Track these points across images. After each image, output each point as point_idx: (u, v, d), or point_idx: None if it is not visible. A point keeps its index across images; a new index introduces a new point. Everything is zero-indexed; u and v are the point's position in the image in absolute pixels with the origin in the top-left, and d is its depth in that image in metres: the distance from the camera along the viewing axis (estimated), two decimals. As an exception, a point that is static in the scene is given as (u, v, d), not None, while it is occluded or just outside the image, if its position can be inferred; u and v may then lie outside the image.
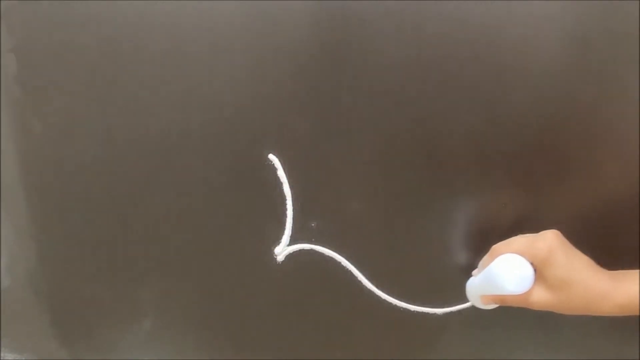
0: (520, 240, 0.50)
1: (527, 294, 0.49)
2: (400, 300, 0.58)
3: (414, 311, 0.58)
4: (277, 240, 0.58)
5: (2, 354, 0.63)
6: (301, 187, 0.56)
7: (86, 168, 0.57)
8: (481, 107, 0.54)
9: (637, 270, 0.47)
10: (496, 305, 0.54)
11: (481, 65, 0.53)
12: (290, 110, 0.54)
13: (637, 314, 0.46)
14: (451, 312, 0.58)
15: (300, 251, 0.58)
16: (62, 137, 0.57)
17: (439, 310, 0.58)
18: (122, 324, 0.61)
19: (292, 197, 0.56)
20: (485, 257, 0.53)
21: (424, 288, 0.59)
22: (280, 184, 0.56)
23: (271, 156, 0.55)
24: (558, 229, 0.56)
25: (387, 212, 0.57)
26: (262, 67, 0.54)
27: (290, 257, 0.58)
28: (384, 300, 0.58)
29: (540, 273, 0.48)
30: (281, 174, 0.56)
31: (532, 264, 0.48)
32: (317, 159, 0.55)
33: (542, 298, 0.48)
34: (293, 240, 0.57)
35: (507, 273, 0.49)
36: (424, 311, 0.58)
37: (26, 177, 0.58)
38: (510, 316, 0.59)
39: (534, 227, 0.57)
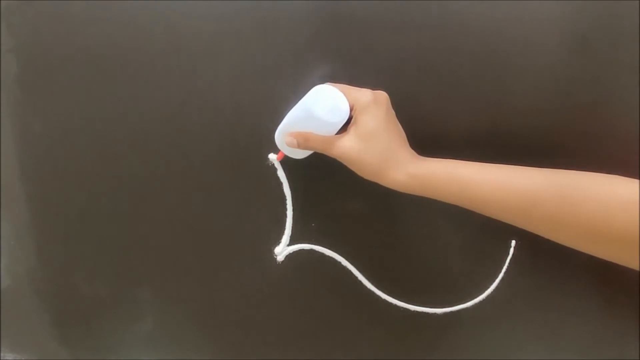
0: (348, 86, 0.50)
1: (331, 137, 0.49)
2: (400, 300, 0.58)
3: (414, 311, 0.58)
4: (277, 240, 0.58)
5: (2, 354, 0.63)
6: (301, 187, 0.56)
7: (86, 168, 0.57)
8: (481, 106, 0.54)
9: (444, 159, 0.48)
10: (303, 154, 0.53)
11: (481, 65, 0.53)
12: (290, 110, 0.54)
13: (419, 191, 0.47)
14: (451, 312, 0.58)
15: (300, 251, 0.58)
16: (62, 137, 0.57)
17: (439, 310, 0.58)
18: (122, 324, 0.61)
19: (292, 197, 0.56)
20: None
21: (424, 288, 0.59)
22: (280, 184, 0.56)
23: (271, 156, 0.55)
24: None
25: (387, 212, 0.57)
26: (262, 67, 0.54)
27: (290, 257, 0.58)
28: (384, 300, 0.58)
29: (355, 121, 0.48)
30: (281, 174, 0.56)
31: (352, 108, 0.48)
32: (317, 159, 0.55)
33: (345, 143, 0.48)
34: (293, 240, 0.57)
35: (321, 100, 0.48)
36: (424, 311, 0.58)
37: (26, 177, 0.58)
38: (510, 316, 0.59)
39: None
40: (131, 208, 0.58)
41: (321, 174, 0.56)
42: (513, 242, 0.57)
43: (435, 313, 0.58)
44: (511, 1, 0.51)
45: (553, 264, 0.57)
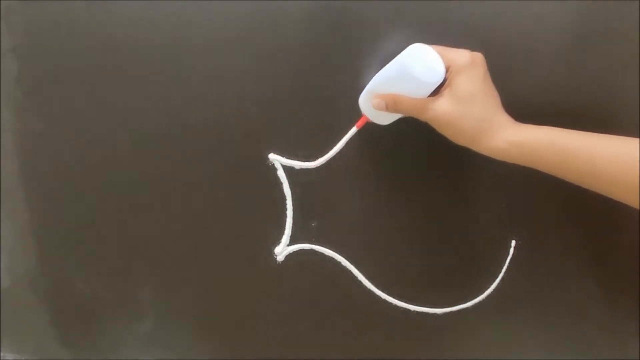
0: (444, 47, 0.47)
1: (425, 99, 0.46)
2: (400, 300, 0.58)
3: (414, 311, 0.58)
4: (277, 240, 0.58)
5: (2, 354, 0.63)
6: (301, 187, 0.56)
7: (86, 168, 0.57)
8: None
9: (546, 127, 0.45)
10: (389, 119, 0.50)
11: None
12: (290, 110, 0.54)
13: (517, 159, 0.45)
14: (451, 312, 0.58)
15: (300, 251, 0.58)
16: (62, 137, 0.57)
17: (439, 310, 0.58)
18: (122, 324, 0.61)
19: (292, 197, 0.56)
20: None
21: (424, 288, 0.59)
22: (280, 184, 0.56)
23: (271, 156, 0.55)
24: (558, 228, 0.56)
25: (387, 212, 0.57)
26: (262, 66, 0.54)
27: (290, 257, 0.58)
28: (384, 300, 0.58)
29: (450, 83, 0.45)
30: (281, 174, 0.56)
31: (449, 70, 0.46)
32: (317, 158, 0.55)
33: (440, 106, 0.45)
34: (293, 240, 0.57)
35: (417, 59, 0.45)
36: (424, 311, 0.58)
37: (26, 177, 0.58)
38: (510, 316, 0.59)
39: (534, 227, 0.57)
40: (131, 208, 0.58)
41: (321, 174, 0.56)
42: (513, 242, 0.57)
43: (435, 313, 0.58)
44: (511, 1, 0.51)
45: (553, 264, 0.57)
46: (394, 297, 0.58)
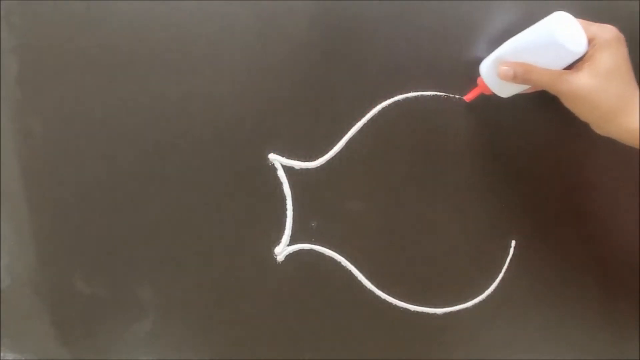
0: (586, 20, 0.45)
1: (562, 71, 0.44)
2: (400, 300, 0.58)
3: (414, 311, 0.58)
4: (277, 240, 0.58)
5: (2, 354, 0.63)
6: (301, 187, 0.56)
7: (86, 168, 0.57)
8: (481, 106, 0.54)
9: None
10: (512, 91, 0.47)
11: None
12: (290, 110, 0.54)
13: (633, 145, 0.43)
14: (451, 312, 0.58)
15: (300, 251, 0.58)
16: (62, 137, 0.57)
17: (439, 310, 0.58)
18: (122, 324, 0.61)
19: (292, 197, 0.56)
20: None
21: (424, 288, 0.59)
22: (280, 184, 0.56)
23: (271, 156, 0.55)
24: (558, 228, 0.56)
25: (387, 212, 0.57)
26: (262, 67, 0.54)
27: (290, 257, 0.58)
28: (384, 300, 0.58)
29: (591, 56, 0.43)
30: (281, 174, 0.56)
31: (592, 42, 0.43)
32: (317, 158, 0.55)
33: (579, 79, 0.42)
34: (293, 240, 0.57)
35: (562, 27, 0.43)
36: (424, 311, 0.58)
37: (26, 177, 0.58)
38: (510, 316, 0.59)
39: (534, 226, 0.57)
40: (131, 208, 0.58)
41: (321, 174, 0.56)
42: (513, 242, 0.57)
43: (435, 313, 0.58)
44: (511, 1, 0.51)
45: (553, 264, 0.57)
46: (394, 297, 0.58)
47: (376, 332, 0.60)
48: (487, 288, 0.58)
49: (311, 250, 0.57)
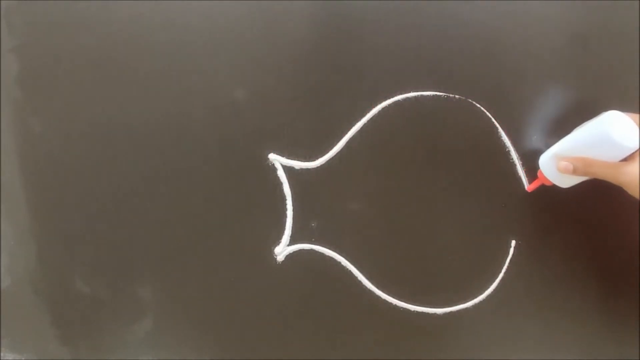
0: (634, 114, 0.47)
1: (620, 163, 0.46)
2: (401, 301, 0.58)
3: (414, 311, 0.58)
4: (277, 240, 0.58)
5: (2, 354, 0.63)
6: (301, 187, 0.56)
7: (86, 168, 0.57)
8: (481, 106, 0.54)
9: None
10: (571, 182, 0.50)
11: (481, 65, 0.53)
12: (290, 110, 0.54)
13: None
14: (451, 312, 0.58)
15: (300, 251, 0.58)
16: (62, 137, 0.57)
17: (439, 310, 0.58)
18: (122, 324, 0.61)
19: (292, 197, 0.56)
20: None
21: (424, 288, 0.59)
22: (280, 184, 0.56)
23: (271, 156, 0.55)
24: (558, 229, 0.56)
25: (387, 212, 0.57)
26: (262, 66, 0.54)
27: (290, 257, 0.58)
28: (384, 300, 0.58)
29: None
30: (281, 174, 0.56)
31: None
32: (317, 158, 0.55)
33: (635, 170, 0.45)
34: (293, 240, 0.57)
35: (616, 125, 0.46)
36: (424, 311, 0.58)
37: (26, 177, 0.58)
38: (510, 316, 0.59)
39: (534, 227, 0.57)
40: (131, 208, 0.58)
41: (321, 174, 0.56)
42: (513, 242, 0.57)
43: (435, 313, 0.58)
44: (511, 1, 0.51)
45: (553, 264, 0.57)
46: (394, 297, 0.58)
47: (376, 332, 0.60)
48: (487, 288, 0.58)
49: (311, 250, 0.57)
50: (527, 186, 0.54)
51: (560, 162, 0.48)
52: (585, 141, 0.48)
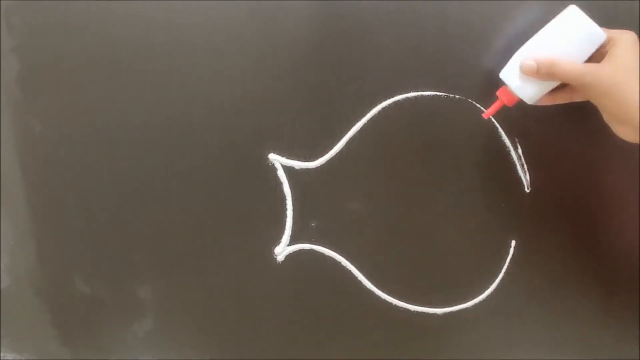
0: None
1: (586, 64, 0.44)
2: (400, 301, 0.58)
3: (414, 311, 0.58)
4: (277, 240, 0.58)
5: (2, 354, 0.63)
6: (301, 187, 0.56)
7: (86, 168, 0.57)
8: (481, 107, 0.54)
9: None
10: (539, 92, 0.47)
11: (481, 65, 0.53)
12: (290, 110, 0.54)
13: None
14: (451, 312, 0.58)
15: (300, 251, 0.58)
16: (62, 137, 0.57)
17: (439, 310, 0.58)
18: (122, 324, 0.61)
19: (292, 197, 0.56)
20: None
21: (424, 288, 0.59)
22: (280, 184, 0.56)
23: (271, 156, 0.55)
24: (558, 228, 0.56)
25: (387, 212, 0.57)
26: (262, 66, 0.54)
27: (290, 257, 0.58)
28: (384, 300, 0.58)
29: (610, 55, 0.43)
30: (281, 174, 0.56)
31: (610, 40, 0.44)
32: (317, 158, 0.55)
33: (604, 70, 0.42)
34: (293, 240, 0.57)
35: (576, 21, 0.44)
36: (424, 311, 0.58)
37: (26, 177, 0.58)
38: (510, 316, 0.59)
39: (534, 227, 0.57)
40: (131, 208, 0.58)
41: (321, 174, 0.56)
42: (513, 242, 0.57)
43: (435, 313, 0.58)
44: (511, 1, 0.51)
45: (553, 264, 0.57)
46: (394, 297, 0.58)
47: (376, 332, 0.60)
48: (487, 288, 0.58)
49: (311, 250, 0.57)
50: (486, 112, 0.50)
51: (524, 61, 0.45)
52: (547, 40, 0.45)
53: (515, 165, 0.55)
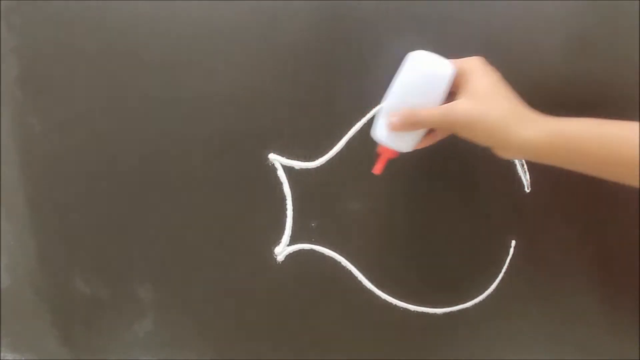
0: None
1: (443, 106, 0.44)
2: (400, 301, 0.58)
3: (414, 311, 0.58)
4: (277, 240, 0.58)
5: (2, 354, 0.63)
6: (301, 187, 0.56)
7: (86, 168, 0.57)
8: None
9: (567, 119, 0.43)
10: (411, 141, 0.47)
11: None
12: (290, 110, 0.54)
13: (545, 153, 0.42)
14: (451, 312, 0.58)
15: (300, 251, 0.58)
16: (62, 137, 0.57)
17: (439, 310, 0.58)
18: (122, 324, 0.61)
19: (292, 197, 0.56)
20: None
21: (424, 288, 0.59)
22: (280, 184, 0.56)
23: (271, 156, 0.55)
24: (558, 230, 0.56)
25: (387, 212, 0.57)
26: (262, 67, 0.54)
27: (290, 257, 0.58)
28: (384, 300, 0.58)
29: (465, 84, 0.44)
30: (281, 174, 0.56)
31: (460, 71, 0.45)
32: (317, 158, 0.55)
33: (461, 106, 0.43)
34: (293, 240, 0.57)
35: (422, 62, 0.44)
36: (424, 311, 0.58)
37: (26, 177, 0.58)
38: (510, 316, 0.59)
39: (533, 227, 0.57)
40: (131, 208, 0.58)
41: (321, 174, 0.56)
42: (513, 242, 0.57)
43: (435, 313, 0.58)
44: (511, 1, 0.51)
45: (553, 264, 0.57)
46: (394, 297, 0.58)
47: (376, 332, 0.60)
48: (487, 288, 0.58)
49: (311, 250, 0.57)
50: (374, 168, 0.50)
51: (389, 118, 0.45)
52: (401, 90, 0.46)
53: (515, 165, 0.55)
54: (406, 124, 0.45)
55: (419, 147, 0.49)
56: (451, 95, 0.46)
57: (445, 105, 0.44)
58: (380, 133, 0.48)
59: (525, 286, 0.58)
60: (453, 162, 0.55)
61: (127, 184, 0.57)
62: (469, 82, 0.44)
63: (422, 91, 0.45)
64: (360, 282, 0.58)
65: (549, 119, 0.43)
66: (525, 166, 0.55)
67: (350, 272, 0.58)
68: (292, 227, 0.57)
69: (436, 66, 0.45)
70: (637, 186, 0.41)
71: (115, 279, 0.60)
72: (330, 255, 0.58)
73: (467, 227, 0.57)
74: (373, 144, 0.55)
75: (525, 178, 0.55)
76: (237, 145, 0.56)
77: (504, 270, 0.58)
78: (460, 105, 0.43)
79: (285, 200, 0.56)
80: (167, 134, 0.56)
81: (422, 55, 0.46)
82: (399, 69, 0.47)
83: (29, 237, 0.59)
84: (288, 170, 0.56)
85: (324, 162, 0.55)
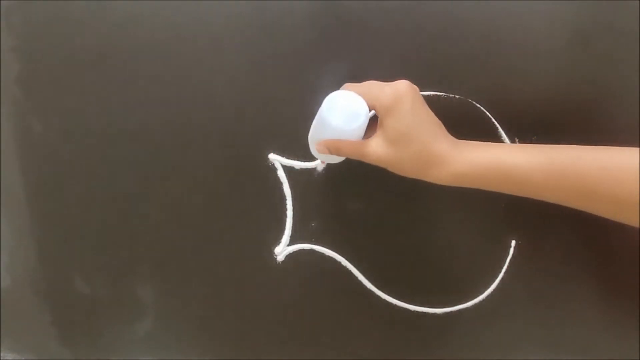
0: (370, 84, 0.47)
1: (362, 143, 0.45)
2: (400, 300, 0.58)
3: (414, 311, 0.58)
4: (277, 240, 0.58)
5: (2, 354, 0.63)
6: (301, 187, 0.56)
7: (86, 168, 0.57)
8: (481, 106, 0.54)
9: (481, 143, 0.45)
10: (338, 159, 0.50)
11: (481, 65, 0.53)
12: (290, 110, 0.54)
13: (467, 186, 0.44)
14: (451, 312, 0.58)
15: (300, 251, 0.58)
16: (62, 137, 0.57)
17: (439, 310, 0.58)
18: (122, 324, 0.61)
19: (292, 197, 0.56)
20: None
21: (424, 288, 0.59)
22: (280, 184, 0.56)
23: (271, 156, 0.55)
24: (558, 228, 0.56)
25: (387, 212, 0.57)
26: (262, 67, 0.54)
27: (290, 257, 0.58)
28: (384, 300, 0.58)
29: (381, 123, 0.44)
30: (281, 174, 0.56)
31: (375, 110, 0.45)
32: (316, 158, 0.55)
33: (377, 149, 0.44)
34: (293, 240, 0.57)
35: (336, 108, 0.45)
36: (424, 311, 0.58)
37: (26, 177, 0.58)
38: (510, 316, 0.59)
39: (534, 227, 0.57)
40: (131, 208, 0.58)
41: (321, 174, 0.56)
42: (513, 242, 0.57)
43: (435, 313, 0.58)
44: (511, 1, 0.51)
45: (553, 264, 0.57)
46: (394, 297, 0.58)
47: (376, 332, 0.60)
48: (487, 288, 0.58)
49: (311, 250, 0.57)
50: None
51: (317, 145, 0.48)
52: (318, 129, 0.48)
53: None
54: (333, 152, 0.48)
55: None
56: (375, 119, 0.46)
57: (364, 143, 0.46)
58: (313, 151, 0.51)
59: (525, 286, 0.58)
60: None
61: (127, 184, 0.57)
62: (384, 123, 0.44)
63: (334, 133, 0.46)
64: (360, 282, 0.58)
65: (457, 158, 0.44)
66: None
67: (350, 272, 0.58)
68: (292, 227, 0.57)
69: (347, 118, 0.45)
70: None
71: (115, 279, 0.60)
72: (330, 255, 0.58)
73: (467, 227, 0.57)
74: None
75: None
76: (237, 145, 0.56)
77: (504, 270, 0.58)
78: (376, 148, 0.44)
79: (285, 200, 0.56)
80: (167, 133, 0.56)
81: (337, 100, 0.46)
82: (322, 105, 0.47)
83: (29, 237, 0.59)
84: (288, 170, 0.56)
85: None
